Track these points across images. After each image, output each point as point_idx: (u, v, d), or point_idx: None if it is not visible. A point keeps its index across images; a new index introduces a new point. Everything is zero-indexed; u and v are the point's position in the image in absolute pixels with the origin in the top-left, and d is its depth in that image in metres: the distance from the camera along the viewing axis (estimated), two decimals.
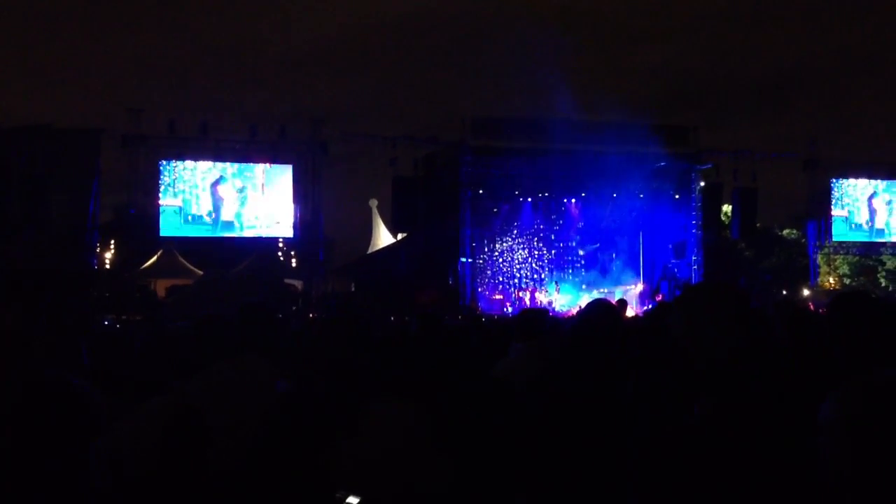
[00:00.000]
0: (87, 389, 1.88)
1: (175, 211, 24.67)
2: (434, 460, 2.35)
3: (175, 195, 24.68)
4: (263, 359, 3.42)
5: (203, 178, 24.97)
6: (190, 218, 24.87)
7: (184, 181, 24.82)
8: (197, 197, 24.89)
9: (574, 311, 23.99)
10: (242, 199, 25.39)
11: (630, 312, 19.40)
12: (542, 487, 3.10)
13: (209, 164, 25.02)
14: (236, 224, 25.34)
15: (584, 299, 26.74)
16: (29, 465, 1.74)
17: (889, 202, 30.71)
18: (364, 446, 2.30)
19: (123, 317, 18.79)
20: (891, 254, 33.53)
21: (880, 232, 30.74)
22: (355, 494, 2.17)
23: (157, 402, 3.00)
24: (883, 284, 34.63)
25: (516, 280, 29.06)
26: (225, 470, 2.52)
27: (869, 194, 30.53)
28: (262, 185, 25.67)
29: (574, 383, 3.45)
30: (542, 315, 5.15)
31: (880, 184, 30.71)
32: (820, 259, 31.41)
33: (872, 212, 30.48)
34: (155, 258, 28.02)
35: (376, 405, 2.46)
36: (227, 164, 25.30)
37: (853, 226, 30.35)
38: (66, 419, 1.80)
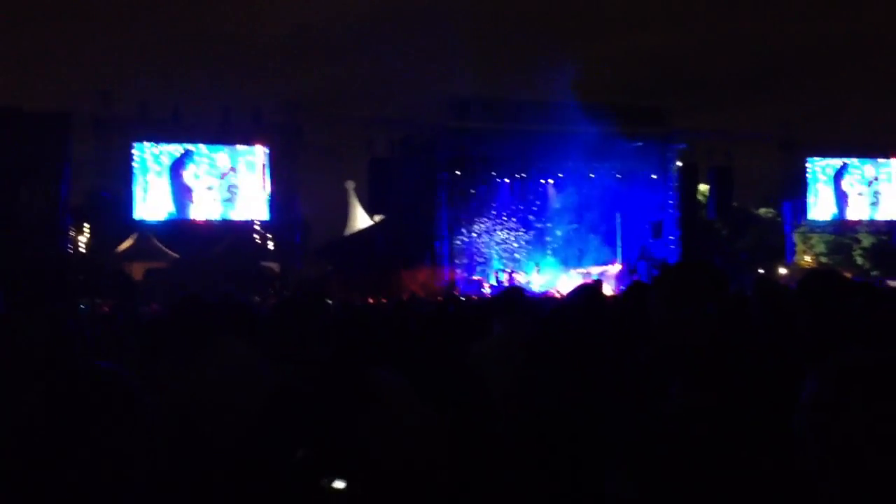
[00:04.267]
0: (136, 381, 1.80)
1: (147, 192, 24.50)
2: (427, 436, 2.33)
3: (146, 177, 24.49)
4: (243, 341, 3.36)
5: (172, 160, 24.78)
6: (162, 201, 24.69)
7: (158, 163, 24.62)
8: (168, 179, 24.70)
9: (552, 291, 24.06)
10: (218, 181, 25.20)
11: (608, 292, 19.45)
12: (522, 468, 3.07)
13: (181, 146, 24.82)
14: (212, 207, 25.18)
15: (562, 280, 26.85)
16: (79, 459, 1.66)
17: (863, 181, 31.00)
18: (360, 423, 2.26)
19: (98, 300, 18.62)
20: (866, 232, 33.88)
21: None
22: (341, 479, 2.14)
23: None
24: (859, 262, 34.98)
25: (495, 261, 29.09)
26: (211, 456, 2.47)
27: (837, 172, 30.74)
28: (237, 167, 25.50)
29: (550, 365, 3.41)
30: (520, 294, 5.13)
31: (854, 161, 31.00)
32: (796, 237, 31.69)
33: (841, 195, 30.76)
34: (130, 241, 27.79)
35: (369, 379, 2.42)
36: (201, 145, 25.09)
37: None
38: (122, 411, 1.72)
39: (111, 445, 1.66)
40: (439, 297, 20.02)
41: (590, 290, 4.14)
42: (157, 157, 24.69)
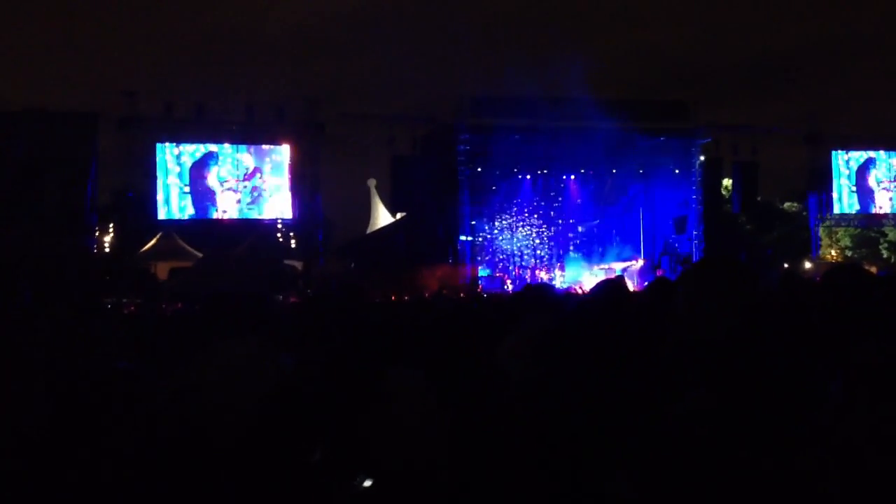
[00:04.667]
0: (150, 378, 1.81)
1: (170, 193, 24.75)
2: (442, 432, 2.33)
3: (167, 178, 24.73)
4: (267, 338, 3.37)
5: (194, 161, 25.00)
6: (185, 202, 24.93)
7: (180, 164, 24.84)
8: (190, 181, 24.92)
9: (575, 287, 23.99)
10: (242, 183, 25.37)
11: (631, 288, 19.37)
12: (538, 464, 3.06)
13: (203, 146, 25.03)
14: (235, 208, 25.37)
15: (585, 276, 26.75)
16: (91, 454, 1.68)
17: (890, 174, 30.64)
18: (376, 418, 2.26)
19: (124, 300, 18.78)
20: (892, 225, 33.48)
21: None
22: (369, 477, 2.15)
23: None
24: (885, 256, 34.61)
25: (517, 258, 29.04)
26: (228, 451, 2.47)
27: (862, 166, 30.40)
28: (261, 167, 25.65)
29: (569, 361, 3.40)
30: (547, 290, 5.13)
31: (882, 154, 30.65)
32: (821, 232, 31.38)
33: (867, 189, 30.43)
34: (154, 241, 27.97)
35: (389, 376, 2.43)
36: (224, 145, 25.28)
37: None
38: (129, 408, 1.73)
39: (114, 445, 1.67)
40: (462, 294, 20.03)
41: (613, 286, 4.11)
42: (178, 158, 24.90)
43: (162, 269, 27.91)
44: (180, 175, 24.83)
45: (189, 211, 25.03)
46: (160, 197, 24.63)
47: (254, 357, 3.20)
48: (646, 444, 2.12)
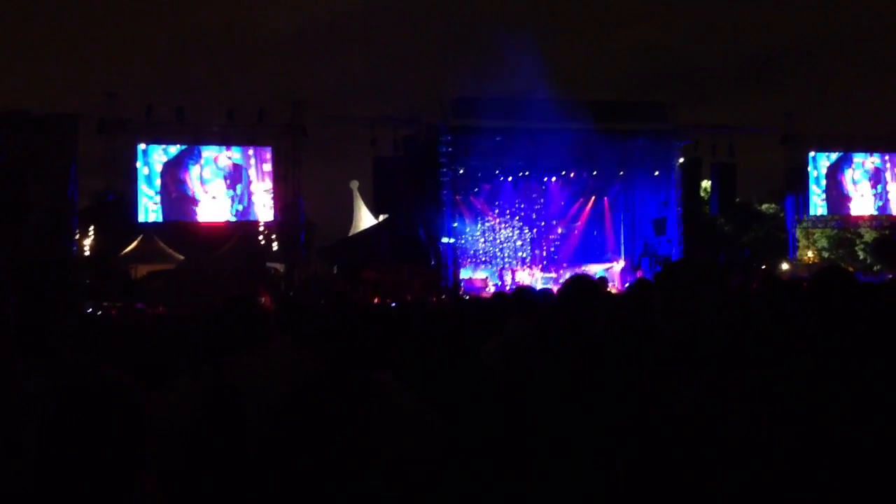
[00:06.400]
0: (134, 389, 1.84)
1: (149, 196, 24.71)
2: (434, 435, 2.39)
3: (149, 180, 24.67)
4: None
5: (175, 163, 24.94)
6: (166, 204, 24.87)
7: (161, 166, 24.77)
8: (171, 182, 24.86)
9: (552, 289, 24.08)
10: (223, 183, 25.32)
11: (612, 289, 19.49)
12: (525, 469, 3.14)
13: (184, 148, 24.98)
14: (216, 210, 25.30)
15: (565, 278, 26.86)
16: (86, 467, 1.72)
17: (866, 175, 31.02)
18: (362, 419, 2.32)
19: (105, 303, 18.67)
20: (869, 227, 33.84)
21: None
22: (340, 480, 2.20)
23: (187, 381, 2.99)
24: (861, 257, 34.91)
25: (499, 260, 29.12)
26: (257, 453, 2.53)
27: (838, 167, 30.78)
28: (242, 168, 25.60)
29: (547, 360, 3.48)
30: (531, 292, 5.22)
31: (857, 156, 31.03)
32: (799, 233, 31.68)
33: (844, 191, 30.81)
34: (135, 243, 27.82)
35: (378, 379, 2.48)
36: (205, 147, 25.23)
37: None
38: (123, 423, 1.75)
39: (101, 454, 1.70)
40: (444, 297, 20.08)
41: (580, 282, 4.16)
42: (160, 160, 24.83)
43: (142, 272, 27.77)
44: (162, 176, 24.76)
45: (172, 211, 24.95)
46: (142, 197, 24.55)
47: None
48: (633, 440, 2.19)
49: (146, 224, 25.38)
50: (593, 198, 29.76)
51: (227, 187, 25.40)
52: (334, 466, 2.16)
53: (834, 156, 30.72)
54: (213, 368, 3.13)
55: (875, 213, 31.66)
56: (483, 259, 29.13)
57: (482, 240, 29.25)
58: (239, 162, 25.61)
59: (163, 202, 24.96)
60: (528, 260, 29.11)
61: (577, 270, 27.49)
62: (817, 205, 30.70)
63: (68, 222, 23.14)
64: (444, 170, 26.29)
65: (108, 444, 1.71)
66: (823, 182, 30.52)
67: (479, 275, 28.29)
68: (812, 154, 30.37)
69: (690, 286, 2.39)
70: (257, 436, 2.46)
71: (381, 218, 34.32)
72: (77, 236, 25.49)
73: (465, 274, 27.76)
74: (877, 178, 31.11)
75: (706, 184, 31.78)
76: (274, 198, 25.86)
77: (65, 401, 1.73)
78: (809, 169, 30.28)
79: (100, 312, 14.80)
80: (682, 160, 28.48)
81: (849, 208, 31.23)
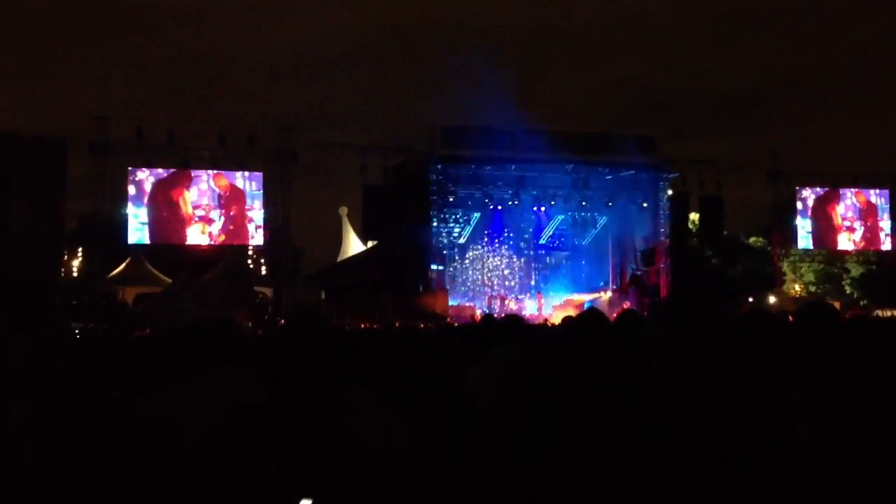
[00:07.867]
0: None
1: (139, 218, 24.66)
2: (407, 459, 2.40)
3: (139, 202, 24.64)
4: (241, 370, 3.40)
5: (165, 186, 24.92)
6: (155, 226, 24.82)
7: (151, 189, 24.74)
8: (161, 205, 24.81)
9: (548, 317, 24.09)
10: (212, 207, 25.30)
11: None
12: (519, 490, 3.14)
13: (174, 172, 24.98)
14: (205, 233, 25.26)
15: (555, 307, 26.89)
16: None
17: (852, 210, 31.27)
18: (334, 431, 2.34)
19: (90, 325, 18.56)
20: (855, 262, 34.07)
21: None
22: (309, 497, 2.21)
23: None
24: (848, 292, 35.12)
25: (487, 288, 29.11)
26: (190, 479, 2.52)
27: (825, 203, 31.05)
28: (232, 192, 25.60)
29: (553, 386, 3.49)
30: (520, 321, 5.21)
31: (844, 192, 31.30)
32: (786, 266, 31.86)
33: (830, 226, 31.06)
34: (123, 266, 27.75)
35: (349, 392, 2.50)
36: (195, 171, 25.23)
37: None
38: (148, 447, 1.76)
39: (91, 471, 1.71)
40: (431, 324, 20.05)
41: (597, 313, 4.20)
42: (149, 183, 24.80)
43: (130, 294, 27.67)
44: (152, 199, 24.71)
45: (160, 234, 24.89)
46: (132, 220, 24.50)
47: (218, 386, 3.27)
48: (620, 460, 2.21)
49: (134, 247, 25.30)
50: (581, 228, 29.87)
51: (217, 210, 25.36)
52: (272, 488, 2.18)
53: (820, 190, 30.98)
54: (159, 398, 3.13)
55: (861, 247, 31.85)
56: (471, 287, 29.10)
57: (471, 268, 29.25)
58: (229, 187, 25.60)
59: (151, 224, 24.89)
60: (515, 288, 29.10)
61: (566, 299, 27.53)
62: (804, 238, 30.90)
63: (53, 244, 23.06)
64: (434, 198, 26.35)
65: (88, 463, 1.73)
66: (809, 216, 30.74)
67: (468, 303, 28.13)
68: (798, 189, 30.63)
69: (682, 321, 2.42)
70: (190, 460, 2.46)
71: (370, 244, 34.35)
72: (66, 257, 25.42)
73: (452, 302, 27.72)
74: (862, 212, 31.35)
75: (694, 216, 31.99)
76: (264, 222, 25.84)
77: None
78: (797, 203, 30.53)
79: (78, 334, 14.69)
80: (670, 192, 28.65)
81: (835, 242, 31.41)
